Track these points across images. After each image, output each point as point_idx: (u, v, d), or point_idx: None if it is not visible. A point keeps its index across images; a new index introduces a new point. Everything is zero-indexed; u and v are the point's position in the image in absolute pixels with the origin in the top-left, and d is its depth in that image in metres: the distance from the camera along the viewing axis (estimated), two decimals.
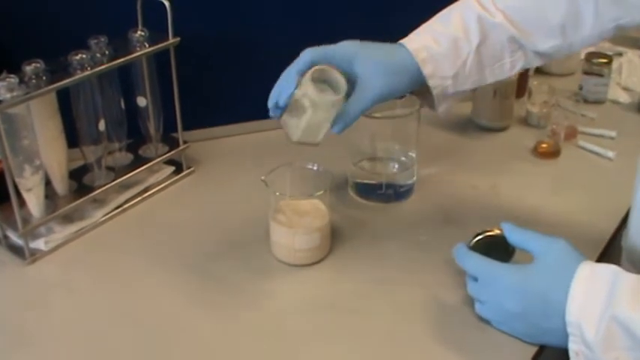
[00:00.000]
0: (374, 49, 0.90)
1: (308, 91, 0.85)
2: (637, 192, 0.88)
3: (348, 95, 0.87)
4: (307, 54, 0.89)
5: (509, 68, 0.93)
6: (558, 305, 0.77)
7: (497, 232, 0.89)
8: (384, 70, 0.89)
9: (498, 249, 0.89)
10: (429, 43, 0.90)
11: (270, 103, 0.89)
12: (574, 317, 0.76)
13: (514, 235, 0.88)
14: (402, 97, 1.10)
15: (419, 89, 0.93)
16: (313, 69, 0.86)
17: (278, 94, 0.88)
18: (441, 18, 0.94)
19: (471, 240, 0.90)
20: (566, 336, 0.77)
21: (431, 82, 0.90)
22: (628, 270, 0.79)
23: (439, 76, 0.90)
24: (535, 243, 0.85)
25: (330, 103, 0.86)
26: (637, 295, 0.73)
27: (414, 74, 0.90)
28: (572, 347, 0.76)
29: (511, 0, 0.92)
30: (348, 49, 0.89)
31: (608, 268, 0.77)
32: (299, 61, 0.88)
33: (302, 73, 0.87)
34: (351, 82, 0.88)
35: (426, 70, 0.90)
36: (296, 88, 0.86)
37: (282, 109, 0.88)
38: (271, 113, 0.90)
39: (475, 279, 0.87)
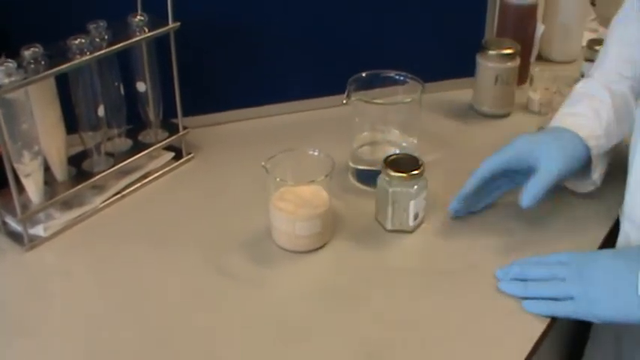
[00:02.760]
0: (547, 139, 0.98)
1: None
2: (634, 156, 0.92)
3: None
4: (485, 169, 0.99)
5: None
6: None
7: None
8: (566, 154, 0.96)
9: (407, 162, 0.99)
10: (572, 113, 1.02)
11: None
12: None
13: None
14: (404, 83, 1.10)
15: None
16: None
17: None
18: (567, 102, 1.06)
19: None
20: None
21: (590, 143, 0.97)
22: (628, 231, 0.92)
23: (594, 136, 0.98)
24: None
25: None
26: None
27: (581, 151, 0.97)
28: None
29: (610, 63, 1.05)
30: (522, 151, 0.98)
31: None
32: (477, 174, 0.99)
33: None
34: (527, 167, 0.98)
35: (582, 133, 0.98)
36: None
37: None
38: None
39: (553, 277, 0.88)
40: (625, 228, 0.94)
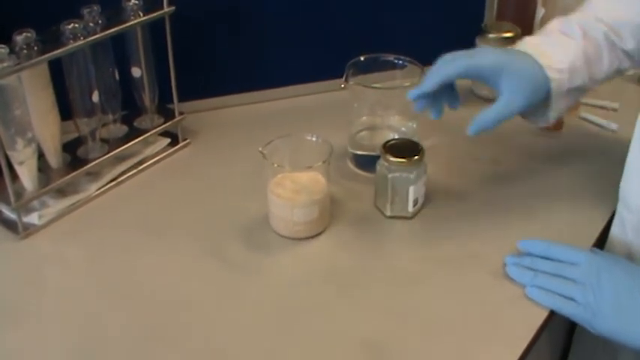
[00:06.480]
0: (519, 63, 0.93)
1: None
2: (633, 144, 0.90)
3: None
4: (461, 64, 0.92)
5: (607, 66, 0.96)
6: None
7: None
8: (530, 89, 0.92)
9: (406, 147, 0.97)
10: (539, 42, 0.96)
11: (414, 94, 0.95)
12: None
13: (537, 248, 0.90)
14: (403, 67, 1.09)
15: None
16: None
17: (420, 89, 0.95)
18: (540, 33, 1.01)
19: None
20: None
21: (550, 74, 0.92)
22: (623, 215, 0.90)
23: (555, 68, 0.92)
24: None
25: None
26: None
27: (542, 84, 0.92)
28: None
29: (591, 10, 0.99)
30: (496, 63, 0.92)
31: None
32: (449, 69, 0.92)
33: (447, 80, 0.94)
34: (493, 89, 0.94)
35: (544, 61, 0.92)
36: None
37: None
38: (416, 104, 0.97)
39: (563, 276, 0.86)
40: (620, 211, 0.93)
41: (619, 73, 0.99)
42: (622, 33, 0.96)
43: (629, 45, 0.96)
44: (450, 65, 0.92)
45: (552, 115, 0.96)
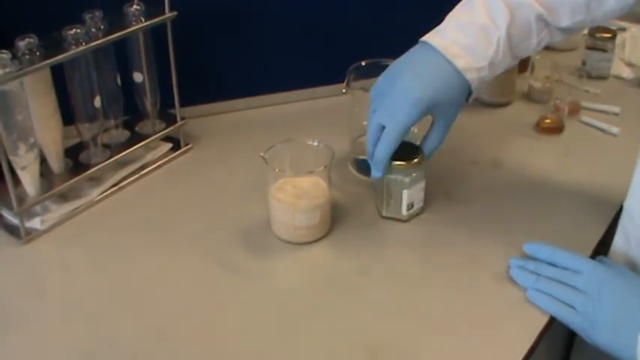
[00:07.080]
0: (442, 92, 0.91)
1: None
2: None
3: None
4: (398, 135, 0.92)
5: (534, 47, 0.93)
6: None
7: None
8: (458, 105, 0.94)
9: (405, 150, 0.95)
10: (457, 36, 0.91)
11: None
12: None
13: (542, 252, 0.89)
14: None
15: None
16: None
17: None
18: (464, 6, 0.94)
19: None
20: None
21: (468, 76, 0.90)
22: (628, 229, 0.88)
23: (475, 68, 0.91)
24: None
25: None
26: None
27: (451, 75, 0.90)
28: None
29: None
30: (424, 110, 0.91)
31: None
32: (391, 145, 0.93)
33: None
34: None
35: (460, 65, 0.90)
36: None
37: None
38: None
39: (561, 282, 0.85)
40: (624, 223, 0.91)
41: (548, 45, 0.97)
42: (559, 11, 0.91)
43: (564, 23, 0.92)
44: (390, 138, 0.93)
45: (470, 100, 0.96)
